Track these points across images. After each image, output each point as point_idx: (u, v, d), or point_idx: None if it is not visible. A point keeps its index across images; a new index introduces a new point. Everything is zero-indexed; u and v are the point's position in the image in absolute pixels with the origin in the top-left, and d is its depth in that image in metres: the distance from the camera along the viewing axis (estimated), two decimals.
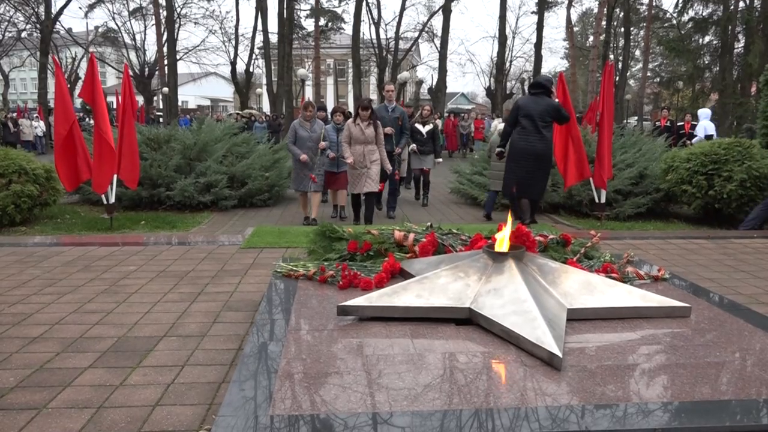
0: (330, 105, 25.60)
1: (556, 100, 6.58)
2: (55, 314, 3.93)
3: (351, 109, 15.01)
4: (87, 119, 24.32)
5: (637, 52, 37.32)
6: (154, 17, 30.07)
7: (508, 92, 33.90)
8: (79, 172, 7.02)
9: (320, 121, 8.42)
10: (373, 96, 36.87)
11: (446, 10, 27.34)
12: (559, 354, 2.15)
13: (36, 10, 28.10)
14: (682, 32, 29.43)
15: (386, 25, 33.08)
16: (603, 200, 7.87)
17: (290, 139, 8.14)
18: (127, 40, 34.29)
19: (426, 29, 32.68)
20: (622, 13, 31.18)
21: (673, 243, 6.52)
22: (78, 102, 28.47)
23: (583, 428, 1.78)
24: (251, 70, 33.65)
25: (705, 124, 12.31)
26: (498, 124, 10.72)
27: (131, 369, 3.07)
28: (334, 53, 40.11)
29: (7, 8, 28.92)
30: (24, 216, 7.31)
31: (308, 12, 32.18)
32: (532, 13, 32.66)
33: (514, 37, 35.16)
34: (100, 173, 6.95)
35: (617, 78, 28.07)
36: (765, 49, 23.37)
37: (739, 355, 2.34)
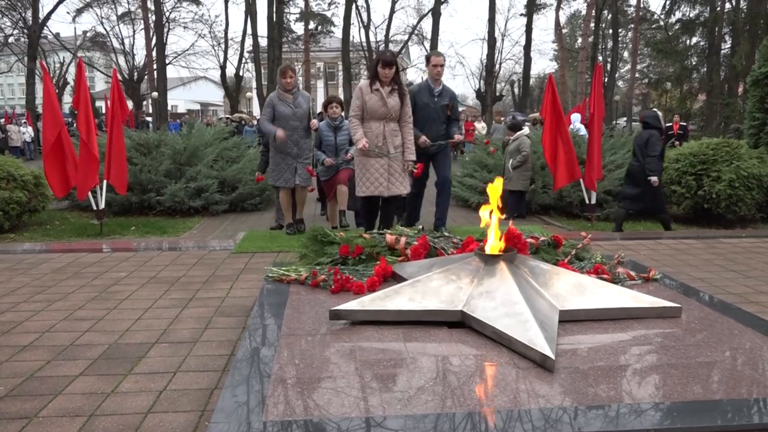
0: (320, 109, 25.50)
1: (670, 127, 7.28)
2: (46, 322, 3.90)
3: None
4: (75, 124, 24.17)
5: (626, 54, 37.63)
6: (142, 21, 29.97)
7: (497, 94, 33.99)
8: (69, 178, 6.97)
9: (305, 93, 6.55)
10: None
11: (435, 13, 27.41)
12: (552, 356, 2.16)
13: (23, 14, 27.92)
14: (670, 33, 29.71)
15: (376, 28, 33.14)
16: (593, 201, 7.91)
17: (266, 117, 6.35)
18: (116, 44, 34.18)
19: (416, 32, 32.78)
20: (610, 15, 31.44)
21: (664, 243, 6.56)
22: (66, 107, 28.28)
23: (576, 429, 1.78)
24: (241, 73, 33.61)
25: (578, 125, 13.00)
26: (482, 129, 10.86)
27: (123, 376, 3.05)
28: (324, 57, 40.10)
29: None
30: (13, 223, 7.24)
31: (298, 16, 32.17)
32: (521, 15, 32.75)
33: (503, 40, 35.37)
34: (84, 180, 6.88)
35: (606, 79, 28.26)
36: (750, 51, 23.60)
37: (729, 354, 2.35)
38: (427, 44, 30.03)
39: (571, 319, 2.64)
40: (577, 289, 2.80)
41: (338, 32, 30.67)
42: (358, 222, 6.77)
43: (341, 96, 30.43)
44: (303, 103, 6.32)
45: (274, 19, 26.47)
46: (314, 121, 6.33)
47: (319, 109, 8.00)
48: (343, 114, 6.73)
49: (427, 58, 6.31)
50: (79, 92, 6.91)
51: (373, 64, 5.44)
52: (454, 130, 6.32)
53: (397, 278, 3.17)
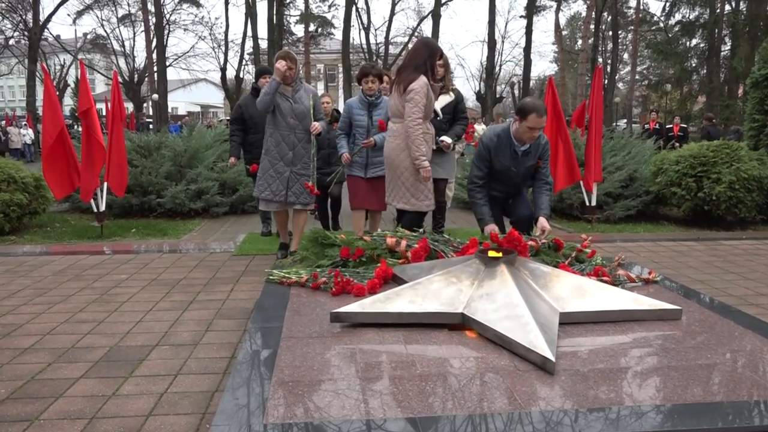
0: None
1: None
2: (46, 324, 3.90)
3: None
4: (75, 126, 24.18)
5: (626, 56, 37.67)
6: (143, 24, 29.99)
7: (497, 96, 34.09)
8: (70, 180, 6.97)
9: (310, 87, 5.26)
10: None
11: (435, 15, 27.47)
12: (552, 358, 2.16)
13: (24, 17, 27.98)
14: (670, 35, 29.76)
15: (376, 30, 33.24)
16: (593, 203, 7.91)
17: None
18: (116, 46, 34.22)
19: (416, 34, 32.80)
20: (610, 17, 31.48)
21: (664, 245, 6.56)
22: (67, 109, 28.32)
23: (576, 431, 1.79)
24: (241, 75, 33.61)
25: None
26: (483, 131, 10.76)
27: (124, 379, 3.05)
28: (324, 58, 40.18)
29: None
30: (13, 225, 7.24)
31: (298, 18, 32.16)
32: (520, 17, 32.80)
33: (503, 42, 35.48)
34: (89, 181, 6.89)
35: (606, 81, 28.29)
36: (750, 53, 23.62)
37: (729, 356, 2.36)
38: None
39: (571, 322, 2.65)
40: (577, 292, 2.80)
41: (338, 34, 30.74)
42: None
43: (341, 98, 30.44)
44: (305, 98, 5.08)
45: (275, 21, 26.53)
46: (315, 124, 5.03)
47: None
48: (379, 89, 5.20)
49: (522, 113, 4.11)
50: (87, 95, 6.89)
51: (428, 54, 4.32)
52: (542, 204, 4.33)
53: (398, 280, 3.17)
